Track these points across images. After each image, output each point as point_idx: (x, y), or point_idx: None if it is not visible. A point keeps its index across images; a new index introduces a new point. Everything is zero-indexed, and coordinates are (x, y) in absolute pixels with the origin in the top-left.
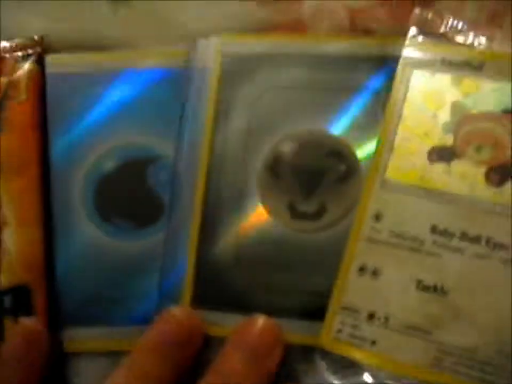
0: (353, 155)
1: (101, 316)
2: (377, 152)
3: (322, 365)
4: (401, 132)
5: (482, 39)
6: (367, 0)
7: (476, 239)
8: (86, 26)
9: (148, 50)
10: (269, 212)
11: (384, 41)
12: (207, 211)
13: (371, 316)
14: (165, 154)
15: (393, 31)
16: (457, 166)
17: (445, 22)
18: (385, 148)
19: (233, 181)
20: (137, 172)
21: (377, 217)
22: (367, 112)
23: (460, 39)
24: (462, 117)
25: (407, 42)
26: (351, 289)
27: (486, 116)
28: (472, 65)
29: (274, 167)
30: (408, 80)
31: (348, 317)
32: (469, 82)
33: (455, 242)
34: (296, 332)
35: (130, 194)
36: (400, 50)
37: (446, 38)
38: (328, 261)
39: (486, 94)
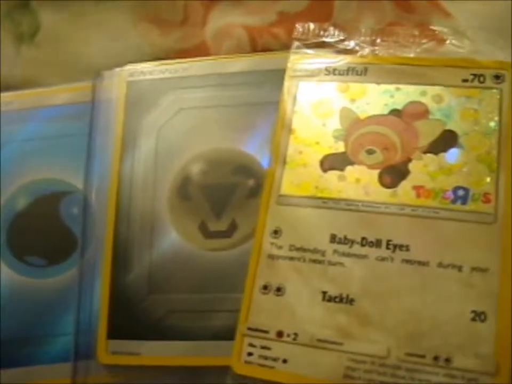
0: (261, 169)
1: (20, 356)
2: (270, 167)
3: None
4: (292, 145)
5: (364, 45)
6: (265, 19)
7: (377, 243)
8: None
9: (56, 88)
10: (181, 234)
11: (282, 57)
12: (119, 241)
13: (280, 334)
14: (76, 188)
15: (289, 47)
16: (351, 171)
17: (325, 32)
18: (278, 162)
19: (143, 208)
20: (50, 208)
21: (276, 232)
22: (271, 125)
23: (341, 46)
24: (351, 123)
25: (290, 55)
26: (257, 309)
27: (375, 119)
28: (356, 71)
29: (184, 189)
30: (295, 92)
31: (257, 338)
32: (355, 87)
33: (356, 248)
34: (219, 353)
35: (43, 231)
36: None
37: (328, 47)
38: (244, 276)
39: (372, 98)
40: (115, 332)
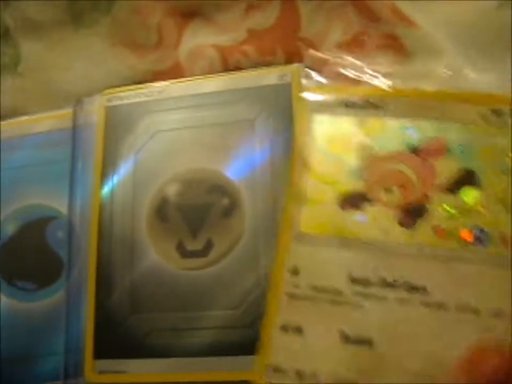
0: (235, 188)
1: (10, 376)
2: (287, 204)
3: None
4: (309, 181)
5: (382, 77)
6: (235, 38)
7: (395, 284)
8: None
9: (38, 116)
10: (160, 255)
11: (254, 74)
12: (102, 264)
13: (299, 374)
14: (61, 213)
15: (261, 64)
16: (369, 211)
17: (342, 62)
18: (295, 200)
19: (123, 231)
20: (37, 233)
21: (295, 271)
22: (243, 142)
23: (359, 78)
24: (369, 159)
25: (305, 86)
26: (276, 349)
27: (393, 156)
28: (374, 105)
29: (161, 210)
30: (310, 126)
31: (275, 377)
32: (373, 122)
33: (374, 290)
34: (200, 369)
35: (31, 255)
36: (267, 80)
37: (345, 79)
38: (222, 293)
39: (390, 133)
40: (101, 352)
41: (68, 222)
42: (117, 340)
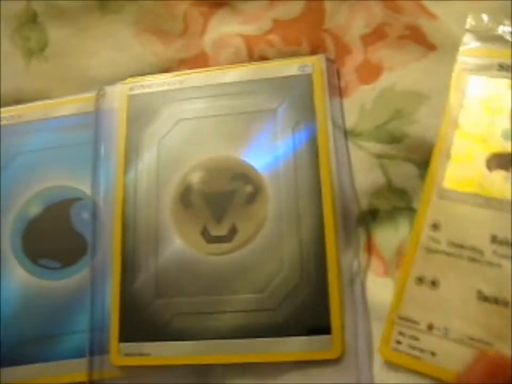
0: (258, 176)
1: (36, 353)
2: (433, 160)
3: None
4: (457, 139)
5: None
6: (261, 28)
7: None
8: (2, 81)
9: (62, 99)
10: (184, 240)
11: (275, 65)
12: (126, 249)
13: (430, 327)
14: (85, 194)
15: (286, 54)
16: None
17: (500, 25)
18: (441, 156)
19: (148, 217)
20: (61, 213)
21: (435, 226)
22: (265, 132)
23: None
24: None
25: (460, 47)
26: (409, 300)
27: None
28: None
29: (185, 197)
30: (464, 87)
31: (407, 327)
32: None
33: None
34: (223, 351)
35: (55, 235)
36: (289, 71)
37: (503, 42)
38: (246, 278)
39: None
40: (126, 335)
41: (92, 205)
42: (141, 323)
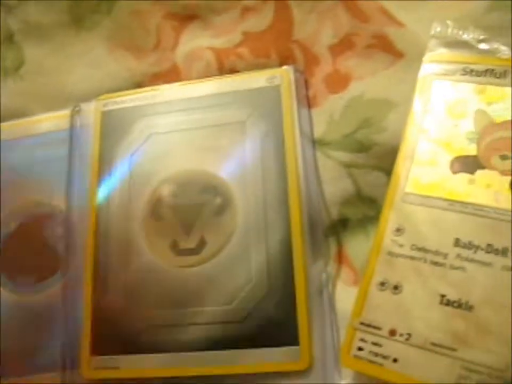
0: (227, 187)
1: (9, 368)
2: (397, 164)
3: None
4: (422, 144)
5: (504, 47)
6: (231, 41)
7: (503, 251)
8: None
9: (38, 117)
10: (154, 253)
11: (244, 77)
12: (99, 260)
13: (393, 332)
14: (60, 210)
15: (256, 66)
16: (482, 176)
17: (464, 31)
18: (405, 160)
19: (119, 229)
20: (35, 229)
21: (399, 230)
22: (234, 144)
23: (480, 47)
24: (485, 126)
25: (426, 52)
26: (371, 305)
27: (510, 124)
28: (494, 73)
29: (156, 210)
30: (429, 91)
31: (369, 333)
32: (492, 90)
33: (480, 255)
34: (193, 364)
35: (29, 251)
36: (257, 83)
37: (467, 47)
38: (214, 290)
39: (509, 102)
40: (97, 348)
41: (65, 219)
42: (112, 336)
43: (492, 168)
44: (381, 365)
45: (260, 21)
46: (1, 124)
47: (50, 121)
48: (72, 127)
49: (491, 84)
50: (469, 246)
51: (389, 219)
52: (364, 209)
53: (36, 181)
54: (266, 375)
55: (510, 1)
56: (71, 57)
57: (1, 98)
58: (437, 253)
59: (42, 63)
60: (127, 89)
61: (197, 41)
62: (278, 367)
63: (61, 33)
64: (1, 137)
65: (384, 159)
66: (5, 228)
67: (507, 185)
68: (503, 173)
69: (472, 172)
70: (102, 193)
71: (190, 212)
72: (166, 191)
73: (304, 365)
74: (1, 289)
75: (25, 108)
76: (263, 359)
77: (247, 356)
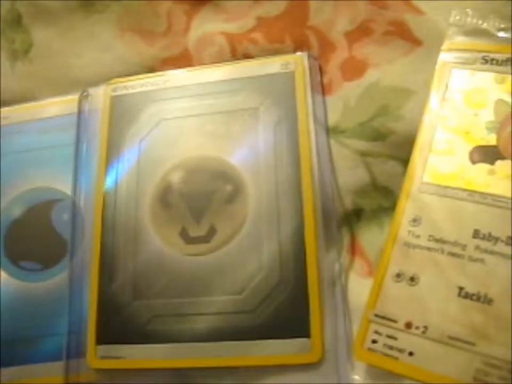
0: (238, 175)
1: (13, 356)
2: (414, 154)
3: None
4: (440, 133)
5: None
6: (244, 25)
7: None
8: None
9: (47, 101)
10: (163, 241)
11: (258, 63)
12: (105, 249)
13: (409, 325)
14: (67, 195)
15: (270, 51)
16: (502, 166)
17: (485, 19)
18: (423, 149)
19: (127, 217)
20: (43, 215)
21: (416, 221)
22: (246, 130)
23: (501, 35)
24: (506, 116)
25: (445, 41)
26: (387, 297)
27: None
28: None
29: (165, 197)
30: (447, 80)
31: (383, 326)
32: None
33: (500, 247)
34: (200, 355)
35: (37, 237)
36: (271, 69)
37: (487, 36)
38: (224, 279)
39: None
40: (103, 338)
41: (72, 205)
42: (118, 325)
43: None
44: (396, 358)
45: (275, 6)
46: (10, 107)
47: (59, 105)
48: (80, 112)
49: (510, 73)
50: (489, 237)
51: (405, 209)
52: (379, 199)
53: (43, 165)
54: (276, 367)
55: None
56: (80, 41)
57: (11, 82)
58: (455, 244)
59: (51, 47)
60: (137, 74)
61: (209, 26)
62: (288, 359)
63: (70, 16)
64: (9, 121)
65: (400, 148)
66: (11, 213)
67: None
68: None
69: (492, 162)
70: (109, 179)
71: (200, 199)
72: (175, 177)
73: (316, 358)
74: (8, 275)
75: (35, 91)
76: (273, 351)
77: (256, 348)
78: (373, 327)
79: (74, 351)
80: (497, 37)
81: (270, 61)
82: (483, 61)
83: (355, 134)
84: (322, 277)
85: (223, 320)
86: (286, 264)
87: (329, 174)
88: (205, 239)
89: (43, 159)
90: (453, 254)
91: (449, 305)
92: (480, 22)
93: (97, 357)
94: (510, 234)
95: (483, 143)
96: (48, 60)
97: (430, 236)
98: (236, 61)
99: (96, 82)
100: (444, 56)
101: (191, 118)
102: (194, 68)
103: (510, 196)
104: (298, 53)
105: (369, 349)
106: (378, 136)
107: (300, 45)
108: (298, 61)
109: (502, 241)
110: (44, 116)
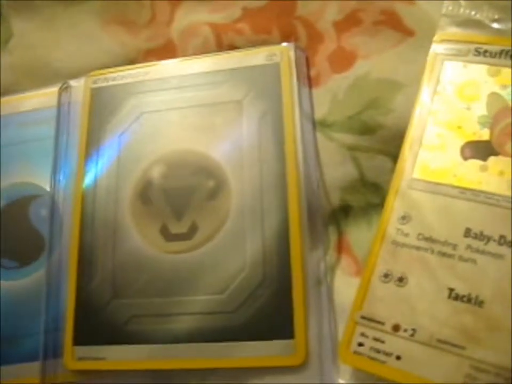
0: (221, 170)
1: None
2: (404, 149)
3: None
4: (430, 127)
5: None
6: (229, 16)
7: None
8: None
9: (25, 94)
10: (143, 238)
11: (242, 54)
12: (84, 245)
13: (396, 328)
14: (45, 191)
15: (256, 42)
16: (495, 162)
17: (478, 10)
18: (412, 144)
19: (106, 212)
20: (20, 211)
21: (404, 218)
22: (230, 124)
23: (494, 26)
24: (499, 110)
25: (436, 31)
26: (374, 298)
27: None
28: (510, 55)
29: (145, 192)
30: (438, 72)
31: (370, 328)
32: (508, 73)
33: (492, 246)
34: (186, 356)
35: (14, 234)
36: (255, 60)
37: (480, 27)
38: (206, 278)
39: None
40: (81, 338)
41: (50, 200)
42: (97, 325)
43: (506, 154)
44: (383, 362)
45: None
46: None
47: (39, 98)
48: (59, 104)
49: (506, 65)
50: (480, 236)
51: (394, 206)
52: (368, 195)
53: (22, 160)
54: (259, 369)
55: None
56: (61, 32)
57: None
58: (445, 243)
59: (31, 37)
60: (120, 65)
61: (193, 16)
62: (271, 361)
63: (51, 7)
64: None
65: (390, 142)
66: None
67: None
68: None
69: (484, 158)
70: (89, 174)
71: (181, 195)
72: (156, 172)
73: (299, 360)
74: None
75: (15, 83)
76: (256, 353)
77: (238, 349)
78: (360, 329)
79: (52, 351)
80: (491, 28)
81: (254, 52)
82: (476, 52)
83: (343, 127)
84: (307, 276)
85: (204, 320)
86: (269, 262)
87: (315, 169)
88: (186, 236)
89: (22, 153)
90: (443, 254)
91: (439, 307)
92: (473, 12)
93: (75, 357)
94: (502, 234)
95: (475, 138)
96: (28, 51)
97: (419, 234)
98: (220, 52)
99: (78, 75)
100: (436, 48)
101: (173, 111)
102: (178, 59)
103: (503, 193)
104: (284, 44)
105: (355, 352)
106: (367, 130)
107: (287, 35)
108: (284, 52)
109: (494, 240)
110: (24, 109)
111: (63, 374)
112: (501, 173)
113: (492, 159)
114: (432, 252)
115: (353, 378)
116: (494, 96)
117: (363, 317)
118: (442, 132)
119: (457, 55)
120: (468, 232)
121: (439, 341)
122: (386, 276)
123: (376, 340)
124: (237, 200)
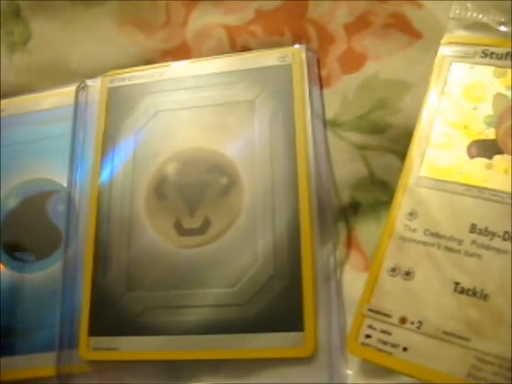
0: (234, 167)
1: (5, 347)
2: (412, 147)
3: None
4: (438, 126)
5: None
6: (243, 18)
7: None
8: None
9: (43, 94)
10: (157, 232)
11: (255, 56)
12: (100, 239)
13: (403, 320)
14: (62, 187)
15: (269, 44)
16: (500, 161)
17: (485, 13)
18: (420, 142)
19: (122, 207)
20: (38, 206)
21: (412, 215)
22: (242, 123)
23: (501, 29)
24: (505, 110)
25: (445, 35)
26: (382, 291)
27: None
28: None
29: (160, 188)
30: (446, 74)
31: (378, 321)
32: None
33: (497, 242)
34: (198, 347)
35: (31, 228)
36: (268, 61)
37: (487, 30)
38: (218, 272)
39: None
40: (96, 329)
41: (67, 196)
42: (111, 317)
43: (511, 153)
44: (390, 353)
45: None
46: (8, 99)
47: (56, 97)
48: (76, 103)
49: (510, 67)
50: (485, 232)
51: (402, 203)
52: (376, 193)
53: (40, 157)
54: (269, 361)
55: None
56: (79, 33)
57: (9, 74)
58: (451, 238)
59: (49, 38)
60: (136, 66)
61: (208, 18)
62: (281, 353)
63: (69, 8)
64: (7, 113)
65: (398, 141)
66: (7, 204)
67: None
68: None
69: (490, 156)
70: (105, 170)
71: (195, 191)
72: (170, 169)
73: (309, 352)
74: (3, 267)
75: (33, 83)
76: (266, 344)
77: (249, 341)
78: (367, 321)
79: (67, 342)
80: (497, 30)
81: (267, 53)
82: (483, 54)
83: (353, 127)
84: (317, 271)
85: (216, 312)
86: (280, 257)
87: (325, 167)
88: (199, 231)
89: (40, 150)
90: (449, 249)
91: (445, 301)
92: (480, 15)
93: (90, 348)
94: (507, 229)
95: (481, 137)
96: (46, 52)
97: (426, 230)
98: (234, 53)
99: (94, 74)
100: (443, 50)
101: (187, 110)
102: (192, 60)
103: (507, 190)
104: (296, 46)
105: (363, 344)
106: (376, 129)
107: (298, 37)
108: (295, 54)
109: (499, 236)
110: (42, 108)
111: (78, 365)
112: (506, 171)
113: (497, 157)
114: (439, 247)
115: (360, 369)
116: (499, 96)
117: (371, 310)
118: (449, 131)
119: (465, 57)
120: (473, 228)
121: (445, 333)
122: (393, 270)
123: (383, 332)
124: (249, 197)
